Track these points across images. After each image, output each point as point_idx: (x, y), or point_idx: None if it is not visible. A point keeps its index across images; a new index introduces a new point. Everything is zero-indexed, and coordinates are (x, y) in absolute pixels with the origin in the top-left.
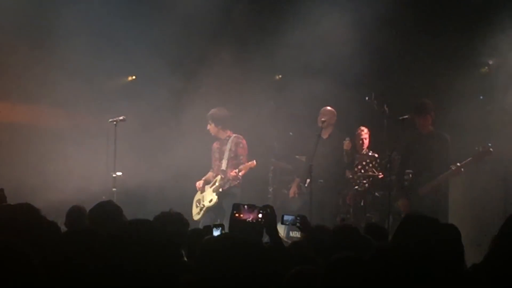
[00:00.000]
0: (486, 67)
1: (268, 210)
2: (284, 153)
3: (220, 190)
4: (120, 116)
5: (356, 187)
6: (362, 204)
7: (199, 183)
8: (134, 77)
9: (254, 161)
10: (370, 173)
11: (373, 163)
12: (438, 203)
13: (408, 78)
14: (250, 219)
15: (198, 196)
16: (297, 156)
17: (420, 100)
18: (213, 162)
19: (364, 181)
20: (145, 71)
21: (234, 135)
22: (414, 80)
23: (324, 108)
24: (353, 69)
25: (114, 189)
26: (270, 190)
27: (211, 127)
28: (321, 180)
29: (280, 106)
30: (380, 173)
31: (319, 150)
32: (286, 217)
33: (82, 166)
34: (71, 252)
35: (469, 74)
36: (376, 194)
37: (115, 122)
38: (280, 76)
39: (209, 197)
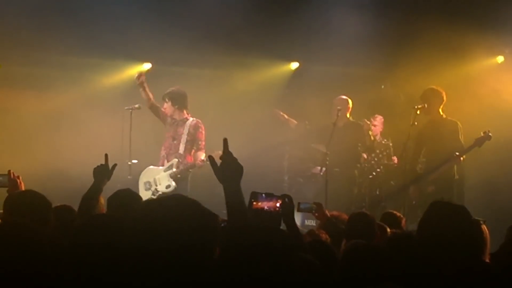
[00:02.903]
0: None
1: (286, 199)
2: (299, 142)
3: (179, 176)
4: (136, 104)
5: (371, 176)
6: (377, 192)
7: (163, 163)
8: (150, 64)
9: (220, 152)
10: (385, 161)
11: (387, 151)
12: (446, 190)
13: (425, 66)
14: (267, 207)
15: (146, 177)
16: (312, 145)
17: (429, 87)
18: (166, 134)
19: (379, 170)
20: (161, 58)
21: (192, 118)
22: (430, 69)
23: (339, 97)
24: (368, 58)
25: (129, 177)
26: (286, 178)
27: (167, 105)
28: (337, 169)
29: (295, 94)
30: (395, 158)
31: (334, 138)
32: (302, 205)
33: (97, 154)
34: (92, 237)
35: (486, 63)
36: (392, 182)
37: (131, 110)
38: (296, 63)
39: (165, 182)
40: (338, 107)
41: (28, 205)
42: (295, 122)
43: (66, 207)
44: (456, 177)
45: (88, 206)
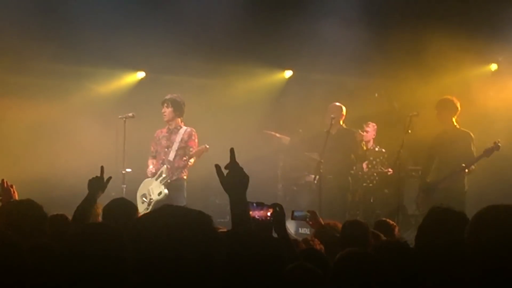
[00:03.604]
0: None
1: (277, 208)
2: (293, 150)
3: (168, 181)
4: (129, 112)
5: (365, 184)
6: (371, 201)
7: (150, 170)
8: (143, 73)
9: (207, 145)
10: (379, 169)
11: (380, 158)
12: (456, 201)
13: (418, 74)
14: (258, 216)
15: (142, 190)
16: (306, 153)
17: (442, 98)
18: (159, 149)
19: (373, 178)
20: (154, 67)
21: (186, 127)
22: (425, 77)
23: (332, 104)
24: (362, 66)
25: (123, 186)
26: (279, 186)
27: (168, 110)
28: (330, 176)
29: (288, 103)
30: (390, 169)
31: (327, 146)
32: (296, 213)
33: (91, 163)
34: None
35: (479, 71)
36: (386, 191)
37: (124, 119)
38: (289, 72)
39: (157, 189)
40: (332, 115)
41: (24, 215)
42: (288, 138)
43: (60, 216)
44: (466, 188)
45: (81, 216)
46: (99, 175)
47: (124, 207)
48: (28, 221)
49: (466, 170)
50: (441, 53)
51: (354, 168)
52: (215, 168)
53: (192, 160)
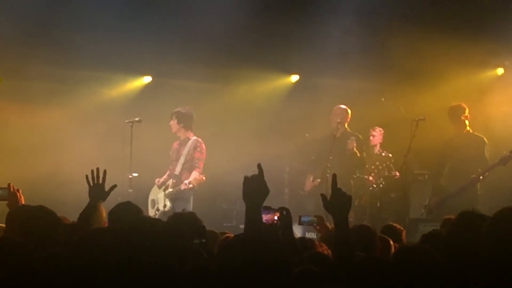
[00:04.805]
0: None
1: (284, 212)
2: (300, 154)
3: (173, 196)
4: (136, 117)
5: (371, 188)
6: (378, 205)
7: (158, 180)
8: (150, 78)
9: (204, 176)
10: (386, 173)
11: (387, 163)
12: (468, 201)
13: (425, 79)
14: (266, 220)
15: (152, 194)
16: (312, 157)
17: (453, 105)
18: (171, 161)
19: (380, 182)
20: (161, 71)
21: (194, 137)
22: (431, 81)
23: (337, 107)
24: (368, 71)
25: (130, 190)
26: (286, 191)
27: (173, 123)
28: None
29: (294, 107)
30: (397, 173)
31: (328, 149)
32: (303, 218)
33: (98, 167)
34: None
35: (486, 75)
36: (392, 195)
37: (131, 123)
38: (296, 76)
39: (162, 202)
40: (338, 120)
41: (37, 222)
42: None
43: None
44: (479, 191)
45: (84, 223)
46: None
47: (130, 211)
48: (42, 229)
49: (481, 177)
50: (447, 57)
51: (357, 172)
52: (244, 179)
53: (191, 185)
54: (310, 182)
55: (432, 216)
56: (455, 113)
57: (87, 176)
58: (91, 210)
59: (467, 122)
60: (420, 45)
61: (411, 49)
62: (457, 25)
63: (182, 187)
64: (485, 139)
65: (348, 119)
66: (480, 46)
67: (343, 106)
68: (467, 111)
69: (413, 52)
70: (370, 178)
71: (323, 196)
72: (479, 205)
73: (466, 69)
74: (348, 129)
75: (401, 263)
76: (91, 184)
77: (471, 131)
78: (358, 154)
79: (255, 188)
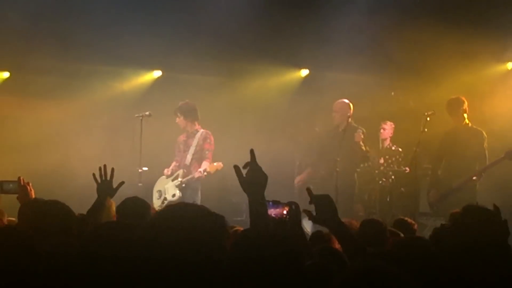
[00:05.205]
0: None
1: (293, 206)
2: (309, 148)
3: (183, 185)
4: (146, 111)
5: (381, 182)
6: (388, 199)
7: (168, 170)
8: (160, 72)
9: (221, 163)
10: (396, 167)
11: (397, 157)
12: (468, 197)
13: (434, 73)
14: (275, 215)
15: (158, 186)
16: (315, 151)
17: (452, 97)
18: (177, 153)
19: (390, 176)
20: (171, 66)
21: (202, 129)
22: (441, 76)
23: (336, 102)
24: (378, 65)
25: (140, 184)
26: (295, 185)
27: (180, 120)
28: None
29: (304, 101)
30: (407, 168)
31: (332, 143)
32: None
33: (108, 162)
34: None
35: (496, 69)
36: (402, 189)
37: (141, 117)
38: (306, 70)
39: (171, 191)
40: (348, 114)
41: (52, 215)
42: None
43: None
44: (479, 187)
45: (92, 220)
46: (114, 179)
47: (137, 205)
48: (56, 224)
49: (482, 174)
50: (457, 51)
51: (362, 165)
52: (234, 169)
53: (205, 174)
54: (304, 175)
55: (439, 211)
56: (454, 105)
57: (94, 174)
58: (99, 206)
59: (465, 115)
60: (430, 39)
61: (420, 43)
62: (466, 19)
63: (196, 175)
64: (484, 132)
65: (351, 112)
66: (489, 40)
67: (345, 101)
68: (465, 104)
69: (422, 46)
70: (376, 171)
71: (237, 171)
72: (478, 200)
73: (476, 63)
74: (352, 122)
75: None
76: (99, 181)
77: (469, 124)
78: (363, 148)
79: (253, 177)
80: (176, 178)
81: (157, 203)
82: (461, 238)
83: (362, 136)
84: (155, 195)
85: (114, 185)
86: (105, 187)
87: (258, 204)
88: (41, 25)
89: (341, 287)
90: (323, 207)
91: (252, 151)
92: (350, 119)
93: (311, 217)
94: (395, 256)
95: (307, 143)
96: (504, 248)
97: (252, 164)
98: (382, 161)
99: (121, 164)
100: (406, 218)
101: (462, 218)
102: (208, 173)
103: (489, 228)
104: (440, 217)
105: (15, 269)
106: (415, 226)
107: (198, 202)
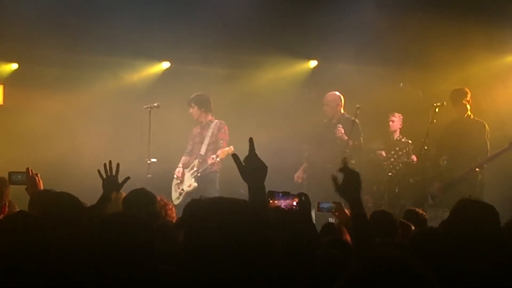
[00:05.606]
0: None
1: (303, 197)
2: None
3: (199, 175)
4: (155, 103)
5: (390, 173)
6: (396, 190)
7: (179, 171)
8: (169, 63)
9: (232, 147)
10: (405, 159)
11: (407, 149)
12: (471, 190)
13: (443, 64)
14: (284, 206)
15: (176, 180)
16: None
17: (455, 88)
18: (192, 145)
19: (398, 167)
20: (179, 57)
21: (216, 120)
22: (450, 67)
23: (327, 95)
24: (387, 56)
25: (148, 176)
26: (304, 176)
27: (194, 110)
28: (330, 165)
29: (312, 93)
30: (414, 157)
31: (326, 135)
32: (322, 205)
33: (116, 153)
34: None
35: (506, 61)
36: (411, 180)
37: (149, 109)
38: (314, 62)
39: (188, 181)
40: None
41: (63, 206)
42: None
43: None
44: (480, 176)
45: (99, 212)
46: (123, 171)
47: (143, 197)
48: (66, 215)
49: (485, 165)
50: (467, 42)
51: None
52: (233, 158)
53: (218, 159)
54: (300, 172)
55: (441, 202)
56: (457, 96)
57: (99, 171)
58: (104, 201)
59: (468, 106)
60: (439, 30)
61: (429, 34)
62: (477, 11)
63: (209, 161)
64: (486, 124)
65: (342, 104)
66: (500, 32)
67: (336, 93)
68: (469, 95)
69: (431, 37)
70: (385, 163)
71: (236, 161)
72: (484, 191)
73: (486, 55)
74: (345, 114)
75: (416, 246)
76: (104, 177)
77: (471, 116)
78: (350, 142)
79: (253, 167)
80: (192, 168)
81: (175, 195)
82: (456, 231)
83: (343, 131)
84: (173, 188)
85: (120, 180)
86: (111, 182)
87: (257, 193)
88: (50, 16)
89: (355, 275)
90: (351, 181)
91: (251, 140)
92: (342, 111)
93: (336, 186)
94: (415, 248)
95: (315, 135)
96: (498, 242)
97: (251, 153)
98: (384, 154)
99: (130, 156)
100: (417, 209)
101: (455, 211)
102: (220, 158)
103: (483, 221)
104: (446, 208)
105: (29, 252)
106: (426, 217)
107: (216, 194)
